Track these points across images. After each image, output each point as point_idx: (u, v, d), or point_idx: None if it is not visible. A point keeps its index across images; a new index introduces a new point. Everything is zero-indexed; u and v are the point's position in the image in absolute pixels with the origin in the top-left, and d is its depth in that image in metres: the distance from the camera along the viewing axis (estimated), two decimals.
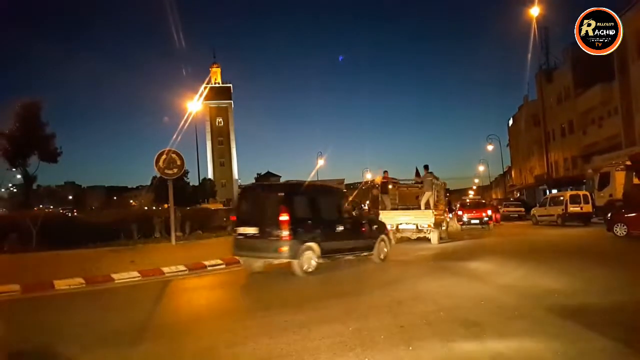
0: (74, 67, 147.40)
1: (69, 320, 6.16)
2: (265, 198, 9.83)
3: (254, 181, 74.30)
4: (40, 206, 44.46)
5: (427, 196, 15.73)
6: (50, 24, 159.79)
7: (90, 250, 11.85)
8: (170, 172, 12.77)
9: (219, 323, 5.80)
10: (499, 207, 32.25)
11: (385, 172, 17.94)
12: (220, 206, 32.49)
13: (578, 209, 22.47)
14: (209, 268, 10.54)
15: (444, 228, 16.80)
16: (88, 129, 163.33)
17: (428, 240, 15.20)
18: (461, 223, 22.82)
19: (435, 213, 15.51)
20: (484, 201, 30.57)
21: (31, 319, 6.40)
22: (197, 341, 4.84)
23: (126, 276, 9.39)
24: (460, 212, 24.06)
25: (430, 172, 16.32)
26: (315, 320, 5.38)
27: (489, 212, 24.18)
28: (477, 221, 23.36)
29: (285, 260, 9.03)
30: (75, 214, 33.73)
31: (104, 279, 9.13)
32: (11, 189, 41.70)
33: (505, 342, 4.35)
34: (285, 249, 8.76)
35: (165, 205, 19.09)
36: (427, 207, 15.59)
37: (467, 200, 29.89)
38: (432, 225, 15.21)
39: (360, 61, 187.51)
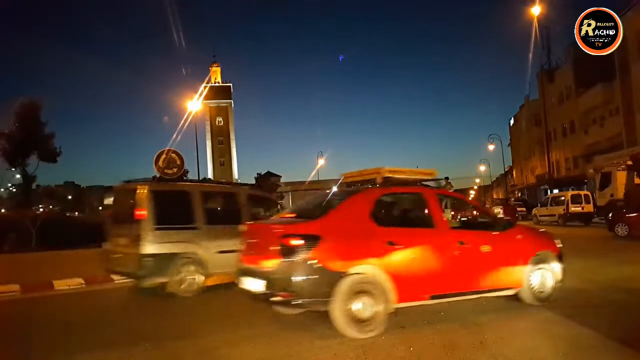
0: (73, 67, 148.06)
1: (69, 320, 6.14)
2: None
3: (254, 181, 74.43)
4: (41, 207, 44.44)
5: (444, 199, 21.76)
6: (50, 24, 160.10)
7: (90, 250, 11.82)
8: (169, 171, 12.67)
9: (219, 323, 5.77)
10: (517, 208, 32.22)
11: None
12: None
13: (579, 209, 22.46)
14: None
15: None
16: (87, 128, 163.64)
17: None
18: (454, 220, 26.06)
19: (451, 212, 21.34)
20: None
21: (30, 319, 6.39)
22: (196, 342, 4.79)
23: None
24: (452, 212, 26.79)
25: (449, 182, 22.09)
26: (313, 320, 5.36)
27: (474, 212, 29.67)
28: (466, 219, 28.19)
29: None
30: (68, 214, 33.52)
31: (104, 279, 9.09)
32: (10, 188, 41.70)
33: (506, 342, 4.33)
34: None
35: None
36: (446, 205, 20.20)
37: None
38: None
39: (361, 61, 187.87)
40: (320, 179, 65.02)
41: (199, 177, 49.55)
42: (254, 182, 73.35)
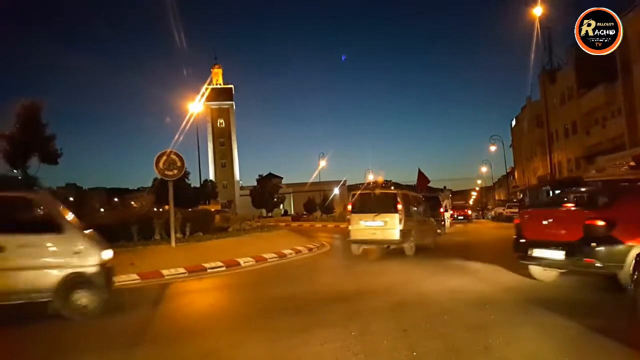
0: (74, 68, 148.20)
1: (70, 321, 6.10)
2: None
3: (255, 183, 74.41)
4: None
5: (445, 202, 26.35)
6: (50, 24, 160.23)
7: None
8: (170, 173, 12.65)
9: (219, 326, 5.75)
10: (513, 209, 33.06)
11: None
12: (218, 207, 31.99)
13: None
14: (209, 270, 10.47)
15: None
16: (89, 130, 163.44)
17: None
18: (452, 218, 30.92)
19: (450, 212, 27.08)
20: (467, 204, 49.08)
21: (30, 323, 6.35)
22: (197, 344, 4.77)
23: (125, 279, 9.31)
24: (451, 212, 31.10)
25: (449, 190, 34.22)
26: (315, 324, 5.33)
27: (469, 212, 40.90)
28: (463, 217, 37.36)
29: None
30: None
31: None
32: None
33: (511, 347, 4.28)
34: None
35: (166, 207, 19.02)
36: (446, 209, 24.68)
37: (466, 204, 47.59)
38: (449, 217, 26.23)
39: (363, 62, 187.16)
40: (322, 180, 65.14)
41: (200, 179, 49.71)
42: (255, 183, 73.75)
